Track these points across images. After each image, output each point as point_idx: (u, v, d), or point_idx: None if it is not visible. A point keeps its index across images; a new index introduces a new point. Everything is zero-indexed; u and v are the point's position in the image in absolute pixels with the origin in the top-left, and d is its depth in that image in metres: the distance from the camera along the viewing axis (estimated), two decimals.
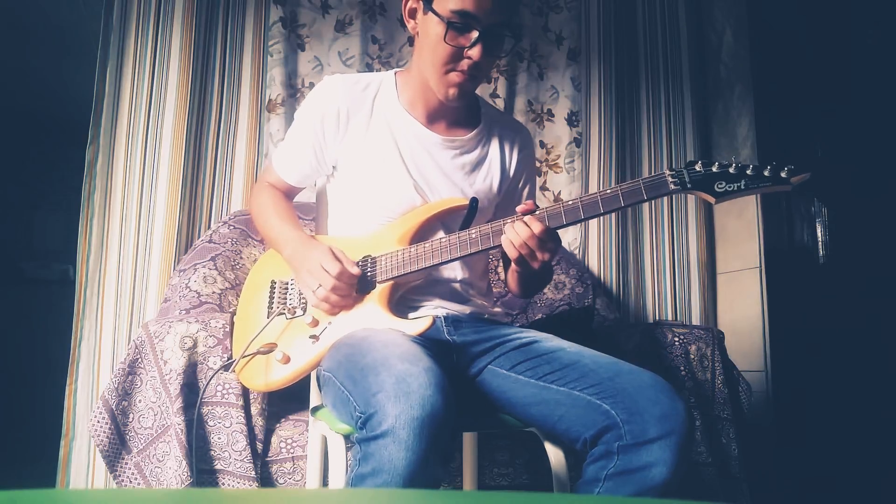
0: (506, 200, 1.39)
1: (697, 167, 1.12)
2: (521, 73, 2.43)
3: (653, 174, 1.14)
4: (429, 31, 1.21)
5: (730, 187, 1.10)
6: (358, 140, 1.30)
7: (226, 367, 1.34)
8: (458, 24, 1.17)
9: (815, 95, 2.21)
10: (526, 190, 1.42)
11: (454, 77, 1.23)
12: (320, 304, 1.23)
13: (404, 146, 1.30)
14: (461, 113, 1.35)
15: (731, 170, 1.10)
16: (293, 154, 1.37)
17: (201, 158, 2.08)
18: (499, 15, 1.18)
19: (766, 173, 1.08)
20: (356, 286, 1.24)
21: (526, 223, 1.14)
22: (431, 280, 1.30)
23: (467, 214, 1.27)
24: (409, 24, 1.27)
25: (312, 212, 1.66)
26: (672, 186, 1.11)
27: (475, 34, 1.18)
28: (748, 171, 1.09)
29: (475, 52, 1.19)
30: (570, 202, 1.15)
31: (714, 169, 1.11)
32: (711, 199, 1.11)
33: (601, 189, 1.16)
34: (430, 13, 1.20)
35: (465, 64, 1.21)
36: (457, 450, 1.53)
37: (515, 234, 1.14)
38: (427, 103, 1.31)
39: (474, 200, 1.28)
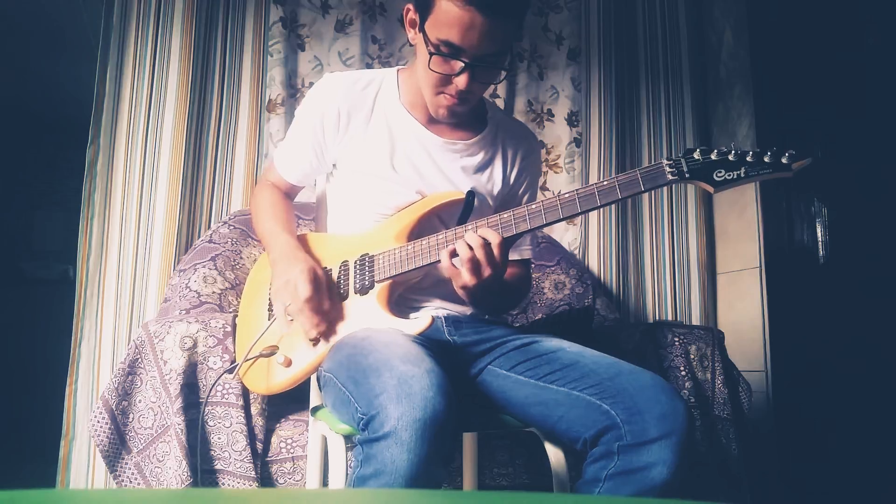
0: (503, 206, 1.36)
1: (696, 155, 1.09)
2: (521, 73, 2.43)
3: (650, 164, 1.12)
4: (420, 51, 1.20)
5: (729, 175, 1.07)
6: (358, 140, 1.29)
7: (229, 371, 1.34)
8: (443, 52, 1.14)
9: (814, 95, 2.21)
10: (525, 198, 1.40)
11: (443, 100, 1.21)
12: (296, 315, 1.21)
13: (405, 147, 1.29)
14: (465, 116, 1.32)
15: (731, 157, 1.07)
16: (293, 153, 1.37)
17: (201, 158, 2.08)
18: (488, 48, 1.13)
19: (766, 159, 1.06)
20: (326, 315, 1.20)
21: (473, 239, 1.11)
22: (432, 280, 1.29)
23: (464, 208, 1.26)
24: (409, 34, 1.24)
25: (312, 212, 1.66)
26: (670, 176, 1.08)
27: (461, 64, 1.15)
28: (748, 158, 1.06)
29: (461, 82, 1.16)
30: (567, 195, 1.13)
31: (713, 157, 1.08)
32: (710, 189, 1.08)
33: (598, 182, 1.13)
34: (421, 34, 1.17)
35: (453, 89, 1.18)
36: (457, 450, 1.53)
37: (466, 247, 1.10)
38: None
39: (470, 194, 1.26)
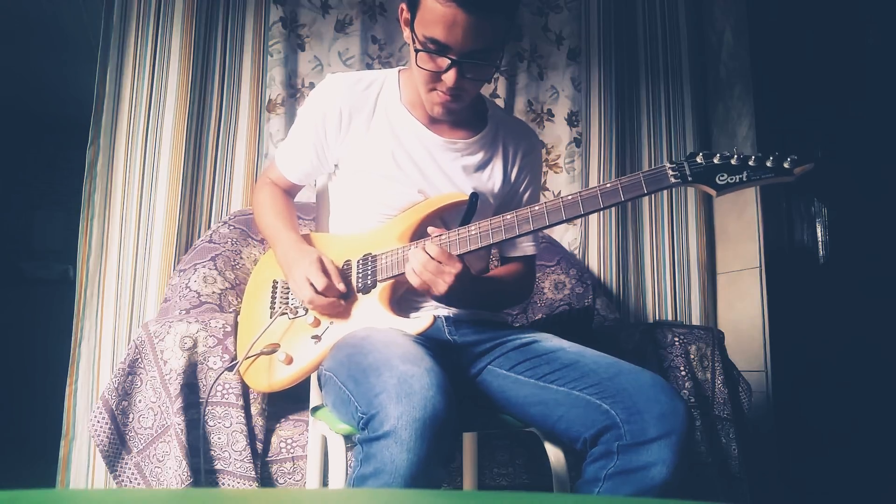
0: (504, 204, 1.37)
1: (698, 159, 1.09)
2: (521, 73, 2.43)
3: (653, 167, 1.12)
4: (412, 48, 1.20)
5: (732, 179, 1.07)
6: (359, 140, 1.30)
7: (230, 368, 1.34)
8: (430, 49, 1.15)
9: (815, 95, 2.21)
10: (527, 195, 1.40)
11: (436, 97, 1.21)
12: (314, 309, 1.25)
13: (406, 147, 1.29)
14: (465, 115, 1.32)
15: (733, 161, 1.07)
16: (295, 152, 1.37)
17: (201, 158, 2.08)
18: (474, 45, 1.13)
19: (768, 164, 1.06)
20: (343, 297, 1.24)
21: (425, 250, 1.13)
22: None
23: (467, 210, 1.26)
24: (405, 33, 1.24)
25: (313, 212, 1.66)
26: (672, 179, 1.09)
27: (448, 61, 1.15)
28: (750, 162, 1.07)
29: (449, 78, 1.16)
30: (570, 197, 1.13)
31: (715, 160, 1.08)
32: (713, 192, 1.08)
33: (601, 185, 1.14)
34: (412, 31, 1.18)
35: (443, 86, 1.18)
36: (457, 450, 1.53)
37: (416, 261, 1.13)
38: None
39: (474, 195, 1.27)
